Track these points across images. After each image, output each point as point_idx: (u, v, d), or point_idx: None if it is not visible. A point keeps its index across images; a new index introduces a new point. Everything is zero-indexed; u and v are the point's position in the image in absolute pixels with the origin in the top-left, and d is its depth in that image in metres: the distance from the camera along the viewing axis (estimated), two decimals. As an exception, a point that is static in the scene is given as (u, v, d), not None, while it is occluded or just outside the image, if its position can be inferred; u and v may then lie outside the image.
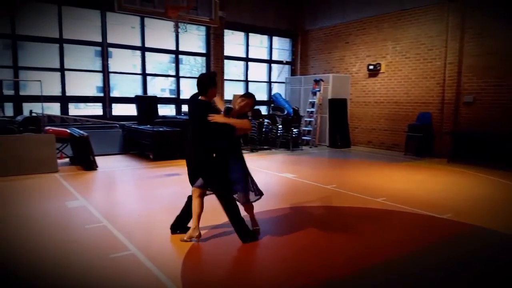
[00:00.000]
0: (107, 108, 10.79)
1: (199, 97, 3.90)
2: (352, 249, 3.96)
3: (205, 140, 3.87)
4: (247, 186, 4.00)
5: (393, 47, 11.08)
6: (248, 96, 4.00)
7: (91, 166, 7.76)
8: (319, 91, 12.19)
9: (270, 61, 14.19)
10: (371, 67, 11.55)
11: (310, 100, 12.46)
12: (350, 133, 12.33)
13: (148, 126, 9.68)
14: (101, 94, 10.83)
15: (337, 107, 12.16)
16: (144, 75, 11.48)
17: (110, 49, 10.81)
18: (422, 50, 10.37)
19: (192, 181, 3.99)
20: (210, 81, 3.87)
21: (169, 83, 13.04)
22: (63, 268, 3.41)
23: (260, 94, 14.22)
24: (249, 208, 4.13)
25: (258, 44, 14.35)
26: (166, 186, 6.68)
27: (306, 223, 4.78)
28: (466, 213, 5.25)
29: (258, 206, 5.55)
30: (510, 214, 5.35)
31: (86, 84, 11.00)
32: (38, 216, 4.88)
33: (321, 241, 4.15)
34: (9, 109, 9.52)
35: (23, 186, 6.39)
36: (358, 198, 5.91)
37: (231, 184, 3.97)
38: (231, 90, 12.92)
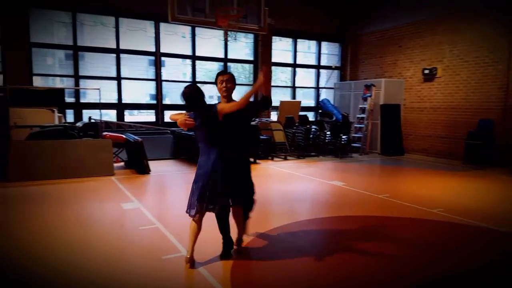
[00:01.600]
0: (159, 115, 11.20)
1: None
2: (407, 262, 3.75)
3: None
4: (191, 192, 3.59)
5: (450, 50, 10.51)
6: None
7: (144, 170, 8.05)
8: (370, 96, 11.84)
9: (318, 67, 14.03)
10: (426, 71, 11.04)
11: (361, 106, 12.14)
12: (403, 140, 11.83)
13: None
14: (154, 102, 11.27)
15: (390, 113, 11.72)
16: (194, 82, 11.81)
17: (162, 58, 11.24)
18: (481, 53, 9.75)
19: None
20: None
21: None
22: (119, 268, 3.54)
23: (308, 100, 14.09)
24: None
25: (306, 50, 14.25)
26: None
27: (356, 233, 4.61)
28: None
29: (306, 215, 5.48)
30: None
31: (140, 91, 11.51)
32: (97, 216, 5.12)
33: (373, 253, 3.96)
34: (70, 116, 10.17)
35: (82, 188, 6.74)
36: (413, 209, 5.61)
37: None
38: (279, 97, 12.91)
